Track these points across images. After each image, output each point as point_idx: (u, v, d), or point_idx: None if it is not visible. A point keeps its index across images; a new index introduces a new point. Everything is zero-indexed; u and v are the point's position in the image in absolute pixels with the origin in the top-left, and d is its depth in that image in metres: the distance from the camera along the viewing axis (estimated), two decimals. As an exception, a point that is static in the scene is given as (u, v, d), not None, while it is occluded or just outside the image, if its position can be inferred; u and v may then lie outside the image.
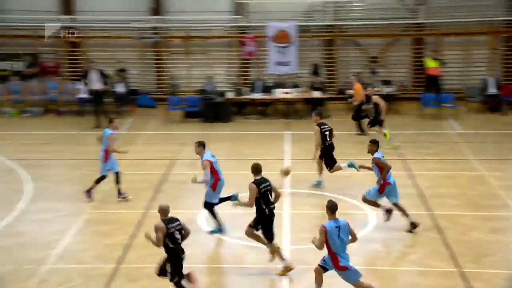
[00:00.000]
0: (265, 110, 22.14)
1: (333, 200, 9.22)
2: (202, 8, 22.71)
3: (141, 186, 14.49)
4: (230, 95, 21.54)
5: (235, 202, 10.91)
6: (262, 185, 10.16)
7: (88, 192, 13.42)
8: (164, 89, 23.11)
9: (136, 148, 17.60)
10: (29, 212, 13.00)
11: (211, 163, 11.61)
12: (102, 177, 13.46)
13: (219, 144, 18.36)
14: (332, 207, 9.00)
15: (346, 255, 8.93)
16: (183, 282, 9.15)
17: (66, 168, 15.67)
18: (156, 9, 22.79)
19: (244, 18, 22.72)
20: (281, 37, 22.08)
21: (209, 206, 11.70)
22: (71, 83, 21.93)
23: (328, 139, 13.96)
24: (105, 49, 22.56)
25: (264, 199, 10.15)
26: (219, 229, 11.77)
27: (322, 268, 9.07)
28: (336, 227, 8.86)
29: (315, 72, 22.55)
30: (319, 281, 9.15)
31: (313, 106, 22.01)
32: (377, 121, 17.63)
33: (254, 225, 10.42)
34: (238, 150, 17.64)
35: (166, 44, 23.12)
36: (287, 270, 10.22)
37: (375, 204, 11.97)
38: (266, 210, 10.17)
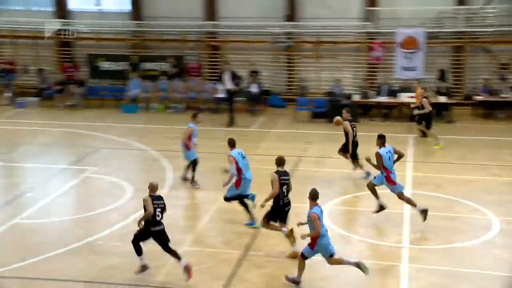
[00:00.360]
0: (389, 113, 21.62)
1: (316, 188, 9.57)
2: (334, 15, 22.56)
3: (268, 180, 14.66)
4: (356, 97, 21.28)
5: (261, 202, 10.80)
6: (282, 177, 10.49)
7: (193, 181, 14.07)
8: (293, 90, 23.26)
9: (266, 145, 17.87)
10: (169, 198, 13.53)
11: (235, 159, 11.67)
12: (194, 162, 14.04)
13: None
14: (314, 195, 9.44)
15: (327, 233, 9.41)
16: (142, 248, 9.79)
17: (202, 160, 16.18)
18: (291, 16, 22.97)
19: (374, 24, 22.30)
20: (409, 43, 21.45)
21: (228, 199, 11.92)
22: (210, 83, 22.67)
23: (355, 135, 14.37)
24: (242, 52, 23.09)
25: (280, 190, 10.41)
26: (252, 222, 11.77)
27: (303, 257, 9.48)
28: (321, 211, 9.38)
29: (442, 78, 21.66)
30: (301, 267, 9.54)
31: (438, 110, 21.21)
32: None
33: (268, 218, 10.66)
34: (362, 151, 17.33)
35: (297, 48, 23.24)
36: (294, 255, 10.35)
37: (408, 201, 11.85)
38: (281, 201, 10.47)
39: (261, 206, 10.73)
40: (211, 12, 23.40)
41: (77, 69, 23.58)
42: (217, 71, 22.68)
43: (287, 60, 23.48)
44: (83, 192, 14.25)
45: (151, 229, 9.75)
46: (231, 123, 20.03)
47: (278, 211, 10.62)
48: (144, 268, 9.94)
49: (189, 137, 13.96)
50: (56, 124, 20.17)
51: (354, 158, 14.61)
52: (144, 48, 24.01)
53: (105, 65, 23.58)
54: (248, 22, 22.64)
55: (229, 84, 20.28)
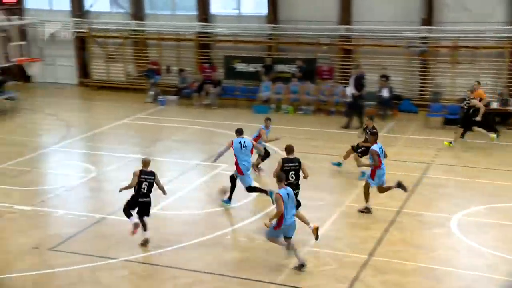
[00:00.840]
0: (531, 122, 20.09)
1: (281, 172, 10.43)
2: (476, 19, 21.37)
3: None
4: (494, 105, 19.99)
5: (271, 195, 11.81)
6: (287, 164, 11.14)
7: (258, 168, 14.93)
8: (426, 95, 22.38)
9: (395, 150, 17.35)
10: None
11: (232, 144, 12.59)
12: (266, 157, 15.00)
13: (479, 152, 17.22)
14: (279, 177, 10.04)
15: (291, 217, 9.99)
16: (132, 213, 10.97)
17: (328, 162, 16.10)
18: (427, 20, 22.11)
19: (520, 28, 20.82)
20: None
21: (250, 189, 12.81)
22: (341, 86, 22.43)
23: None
24: (374, 56, 22.61)
25: (285, 175, 10.67)
26: (228, 201, 12.78)
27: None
28: (287, 194, 9.87)
29: None
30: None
31: None
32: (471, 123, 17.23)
33: None
34: (504, 161, 16.29)
35: (433, 53, 22.33)
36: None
37: (387, 188, 12.44)
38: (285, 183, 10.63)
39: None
40: (345, 16, 23.13)
41: (214, 70, 24.39)
42: (348, 74, 22.39)
43: (421, 65, 22.64)
44: (215, 187, 14.68)
45: (139, 200, 10.96)
46: (348, 126, 19.92)
47: None
48: (136, 225, 11.00)
49: (258, 137, 14.74)
50: (192, 122, 21.02)
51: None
52: (278, 51, 24.32)
53: (240, 67, 24.18)
54: (382, 26, 22.14)
55: (352, 88, 20.26)
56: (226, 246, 11.22)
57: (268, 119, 15.30)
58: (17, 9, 27.15)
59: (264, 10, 24.25)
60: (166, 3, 26.34)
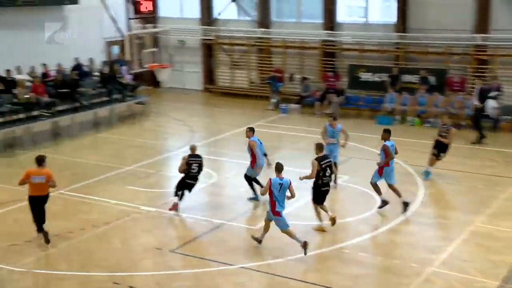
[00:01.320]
0: None
1: (280, 162, 11.15)
2: None
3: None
4: None
5: (301, 176, 12.19)
6: (323, 161, 11.91)
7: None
8: None
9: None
10: (418, 215, 13.05)
11: (255, 143, 13.46)
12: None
13: None
14: (278, 167, 11.10)
15: (282, 206, 10.89)
16: (182, 196, 12.97)
17: (456, 179, 15.26)
18: None
19: None
20: None
21: (247, 178, 13.65)
22: (473, 98, 21.20)
23: None
24: (513, 67, 21.21)
25: (323, 172, 11.86)
26: (255, 197, 13.60)
27: (269, 220, 11.17)
28: (280, 183, 10.87)
29: None
30: (266, 228, 11.30)
31: None
32: None
33: (313, 200, 12.12)
34: None
35: None
36: (320, 229, 12.05)
37: (378, 190, 12.92)
38: (319, 181, 11.87)
39: (300, 178, 12.17)
40: (482, 24, 21.86)
41: (338, 79, 24.09)
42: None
43: None
44: (334, 199, 14.40)
45: (186, 180, 12.70)
46: (478, 141, 18.79)
47: (317, 191, 12.01)
48: (176, 204, 12.94)
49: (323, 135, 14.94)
50: (313, 131, 20.73)
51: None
52: (405, 60, 23.53)
53: (365, 76, 23.69)
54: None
55: (475, 100, 19.43)
56: (344, 260, 10.93)
57: (333, 118, 14.99)
58: (151, 18, 28.60)
59: (392, 18, 23.61)
60: (292, 11, 26.50)
